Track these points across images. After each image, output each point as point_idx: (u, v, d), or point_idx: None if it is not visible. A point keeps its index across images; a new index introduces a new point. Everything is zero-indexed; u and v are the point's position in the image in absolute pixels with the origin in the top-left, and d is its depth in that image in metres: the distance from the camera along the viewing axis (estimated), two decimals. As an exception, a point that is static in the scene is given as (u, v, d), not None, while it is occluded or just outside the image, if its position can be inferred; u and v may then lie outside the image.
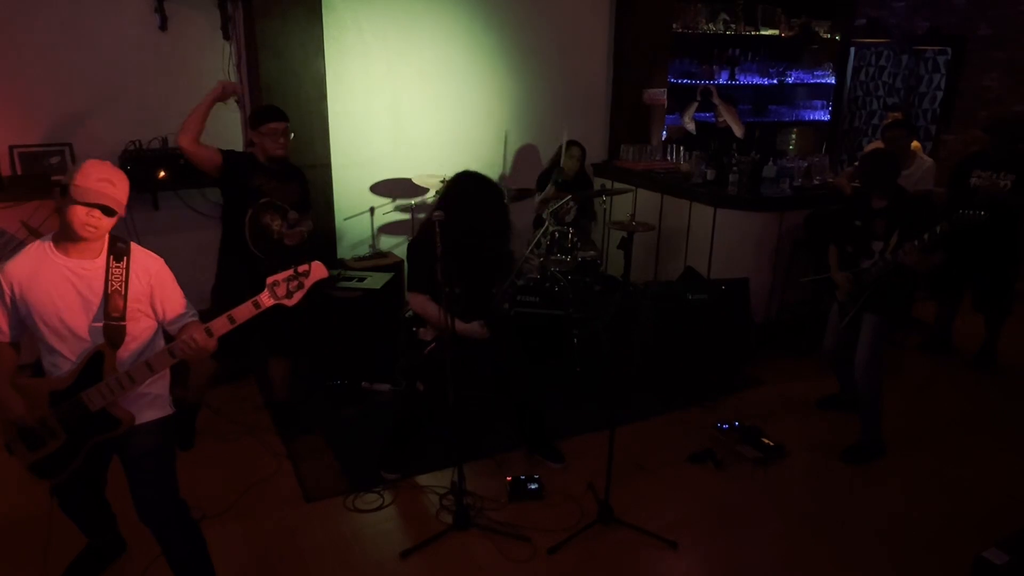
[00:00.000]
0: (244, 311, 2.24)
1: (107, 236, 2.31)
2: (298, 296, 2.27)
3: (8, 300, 2.27)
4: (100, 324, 2.25)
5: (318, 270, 2.29)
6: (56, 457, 2.34)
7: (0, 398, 2.30)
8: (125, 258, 2.30)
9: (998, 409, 4.34)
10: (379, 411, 4.07)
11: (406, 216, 5.36)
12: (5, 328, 2.32)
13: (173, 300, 2.41)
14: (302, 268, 2.27)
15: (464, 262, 3.15)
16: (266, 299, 2.24)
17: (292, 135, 3.58)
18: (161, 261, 2.42)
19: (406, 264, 3.03)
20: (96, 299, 2.26)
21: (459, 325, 3.13)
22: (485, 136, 5.64)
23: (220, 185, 3.58)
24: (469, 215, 3.11)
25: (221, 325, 2.24)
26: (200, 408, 3.81)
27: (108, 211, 2.19)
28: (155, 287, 2.36)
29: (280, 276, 2.25)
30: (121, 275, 2.27)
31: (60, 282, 2.24)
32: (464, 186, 3.23)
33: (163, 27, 4.39)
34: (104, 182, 2.17)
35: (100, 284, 2.26)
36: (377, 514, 3.22)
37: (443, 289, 2.88)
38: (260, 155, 3.52)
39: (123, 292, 2.27)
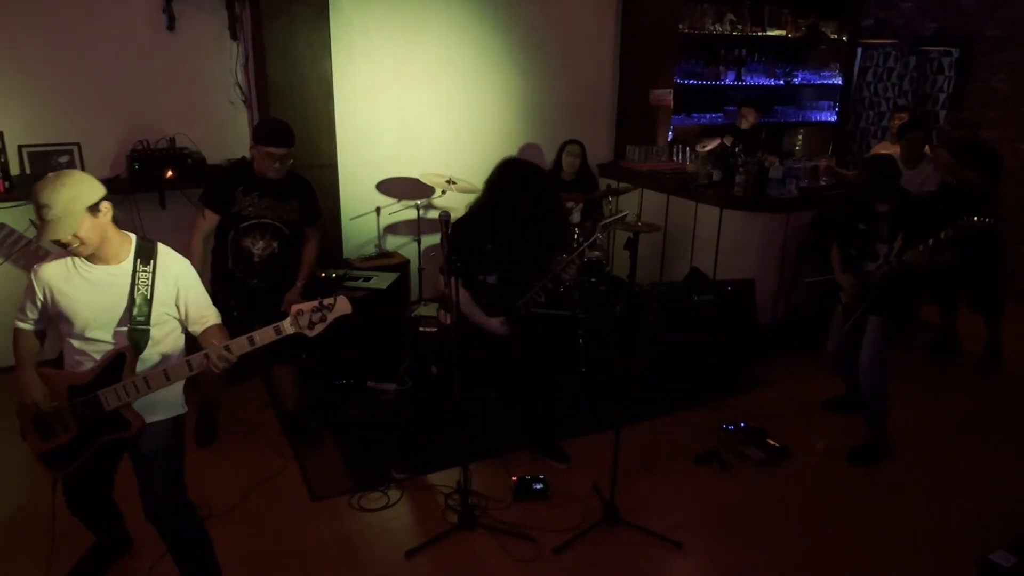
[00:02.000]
0: (265, 335, 2.24)
1: (132, 238, 2.32)
2: (319, 328, 2.25)
3: (39, 302, 2.31)
4: (125, 329, 2.27)
5: (343, 305, 2.26)
6: (65, 450, 2.37)
7: (23, 381, 2.34)
8: (152, 261, 2.29)
9: (1005, 410, 4.32)
10: (384, 410, 4.08)
11: (412, 216, 5.37)
12: (33, 321, 2.38)
13: (197, 302, 2.41)
14: (327, 301, 2.24)
15: (506, 255, 3.11)
16: (288, 327, 2.23)
17: (291, 161, 3.41)
18: (187, 263, 2.42)
19: (442, 240, 2.88)
20: (123, 303, 2.27)
21: (480, 317, 3.11)
22: (491, 136, 5.64)
23: None
24: (519, 205, 3.04)
25: (240, 345, 2.25)
26: (218, 404, 3.83)
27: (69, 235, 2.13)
28: (181, 289, 2.36)
29: (306, 306, 2.23)
30: (148, 279, 2.27)
31: (89, 288, 2.25)
32: (514, 174, 3.14)
33: (171, 27, 4.41)
34: (43, 208, 2.08)
35: (127, 288, 2.26)
36: (382, 513, 3.23)
37: (454, 288, 2.83)
38: (256, 168, 3.40)
39: (149, 296, 2.27)
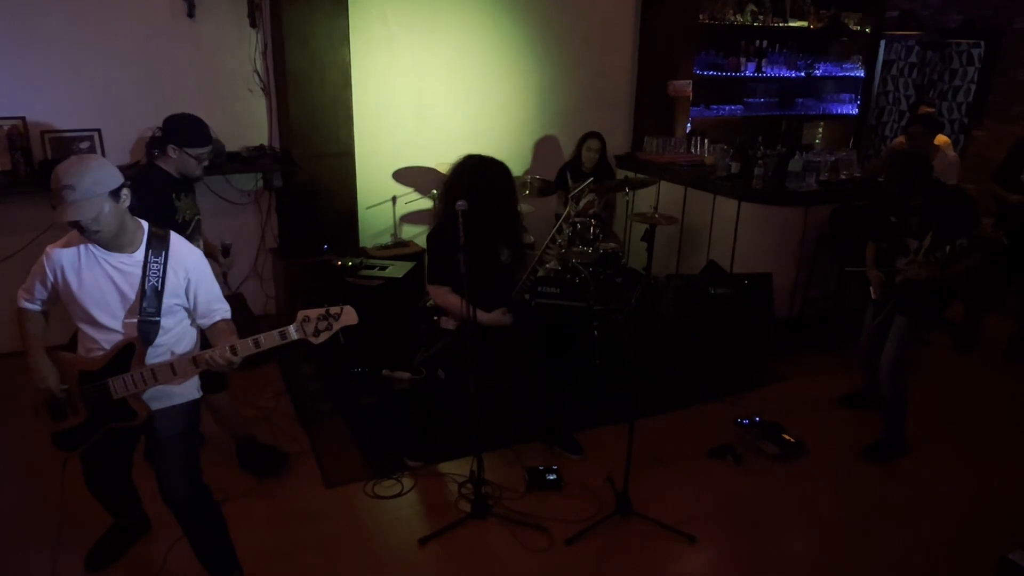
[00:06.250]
0: (270, 338, 2.25)
1: (145, 228, 2.31)
2: (324, 336, 2.27)
3: (48, 283, 2.31)
4: (135, 320, 2.27)
5: (348, 315, 2.28)
6: (75, 432, 2.40)
7: (35, 365, 2.34)
8: (164, 252, 2.29)
9: (1025, 410, 4.27)
10: (399, 399, 4.09)
11: (428, 205, 5.37)
12: (39, 301, 2.38)
13: (207, 295, 2.41)
14: (334, 310, 2.26)
15: (484, 250, 3.14)
16: (293, 332, 2.25)
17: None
18: (199, 254, 2.41)
19: (426, 255, 2.98)
20: (133, 294, 2.27)
21: (481, 315, 3.12)
22: (508, 127, 5.63)
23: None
24: (481, 197, 3.06)
25: (245, 347, 2.26)
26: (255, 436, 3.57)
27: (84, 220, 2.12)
28: (192, 281, 2.36)
29: (312, 313, 2.24)
30: (159, 270, 2.27)
31: (100, 277, 2.26)
32: (472, 169, 3.20)
33: (191, 14, 4.43)
34: (66, 189, 2.09)
35: (138, 279, 2.27)
36: (396, 501, 3.24)
37: (465, 280, 2.87)
38: (173, 171, 3.05)
39: (160, 288, 2.27)
